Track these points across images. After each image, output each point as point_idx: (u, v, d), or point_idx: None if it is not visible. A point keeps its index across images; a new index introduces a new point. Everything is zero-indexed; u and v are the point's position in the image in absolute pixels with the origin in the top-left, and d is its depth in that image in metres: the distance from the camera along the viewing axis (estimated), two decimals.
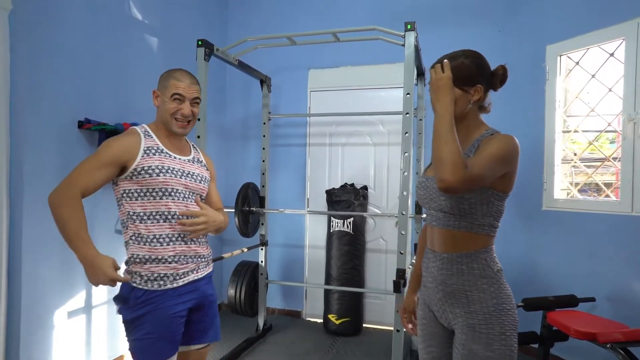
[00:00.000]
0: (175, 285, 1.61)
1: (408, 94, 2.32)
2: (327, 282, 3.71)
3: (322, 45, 3.89)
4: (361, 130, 3.95)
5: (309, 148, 4.10)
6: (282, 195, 4.10)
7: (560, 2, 3.15)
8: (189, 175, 1.67)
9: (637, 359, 2.25)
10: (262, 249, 3.60)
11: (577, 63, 3.16)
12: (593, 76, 3.07)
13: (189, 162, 1.72)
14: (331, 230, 3.70)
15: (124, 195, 1.60)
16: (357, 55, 3.91)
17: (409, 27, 2.33)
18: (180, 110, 1.65)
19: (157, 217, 1.58)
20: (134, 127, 1.67)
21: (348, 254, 3.63)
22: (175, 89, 1.64)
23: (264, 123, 3.63)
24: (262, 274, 3.61)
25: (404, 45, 2.39)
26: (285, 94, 4.08)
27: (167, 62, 3.38)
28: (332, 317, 3.65)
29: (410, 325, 1.68)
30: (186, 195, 1.65)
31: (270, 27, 4.11)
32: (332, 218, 3.70)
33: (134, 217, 1.58)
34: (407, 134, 2.33)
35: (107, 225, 2.83)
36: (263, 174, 3.64)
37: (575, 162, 3.20)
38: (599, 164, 3.08)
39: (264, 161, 3.64)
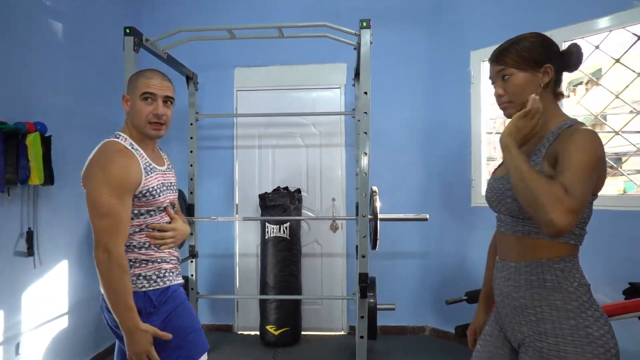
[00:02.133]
0: (178, 281, 1.56)
1: (366, 92, 2.25)
2: (263, 291, 3.51)
3: (249, 43, 3.70)
4: (292, 131, 3.83)
5: (237, 151, 3.86)
6: (207, 202, 3.79)
7: (483, 12, 3.37)
8: (170, 187, 1.59)
9: None
10: (192, 262, 3.28)
11: None
12: None
13: (166, 171, 1.61)
14: (266, 237, 3.51)
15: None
16: (286, 54, 3.77)
17: (364, 24, 2.27)
18: (153, 111, 1.48)
19: (149, 230, 1.50)
20: (115, 140, 1.46)
21: (285, 260, 3.48)
22: (145, 87, 1.47)
23: (191, 124, 3.32)
24: (192, 289, 3.29)
25: (358, 43, 2.32)
26: (208, 94, 3.78)
27: (78, 52, 2.91)
28: (270, 328, 3.46)
29: (478, 347, 1.44)
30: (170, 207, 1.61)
31: (201, 18, 3.77)
32: (266, 224, 3.51)
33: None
34: (365, 134, 2.27)
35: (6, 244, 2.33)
36: (191, 179, 3.32)
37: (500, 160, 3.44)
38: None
39: (192, 165, 3.33)
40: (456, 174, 3.54)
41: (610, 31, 2.81)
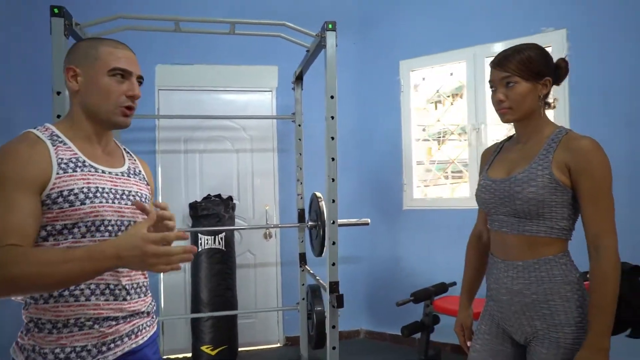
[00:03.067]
0: None
1: (332, 96, 2.20)
2: (196, 309, 3.22)
3: (172, 39, 3.36)
4: (221, 135, 3.59)
5: (159, 156, 3.49)
6: None
7: (412, 24, 3.54)
8: (125, 197, 1.12)
9: None
10: None
11: (424, 79, 3.62)
12: (437, 91, 3.57)
13: (123, 176, 1.16)
14: (199, 249, 3.23)
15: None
16: (213, 54, 3.54)
17: (329, 26, 2.22)
18: (127, 92, 1.10)
19: None
20: (32, 130, 1.07)
21: (221, 273, 3.24)
22: (115, 60, 1.09)
23: None
24: None
25: (323, 45, 2.25)
26: None
27: None
28: (206, 349, 3.18)
29: (469, 343, 1.49)
30: (122, 228, 1.10)
31: (136, 7, 3.31)
32: (199, 235, 3.24)
33: None
34: (332, 139, 2.21)
35: None
36: None
37: (427, 164, 3.65)
38: (447, 165, 3.60)
39: None
40: (388, 179, 3.66)
41: None
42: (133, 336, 1.10)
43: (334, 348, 2.17)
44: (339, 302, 2.10)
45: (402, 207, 3.61)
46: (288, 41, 2.60)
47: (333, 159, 2.23)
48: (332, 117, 2.23)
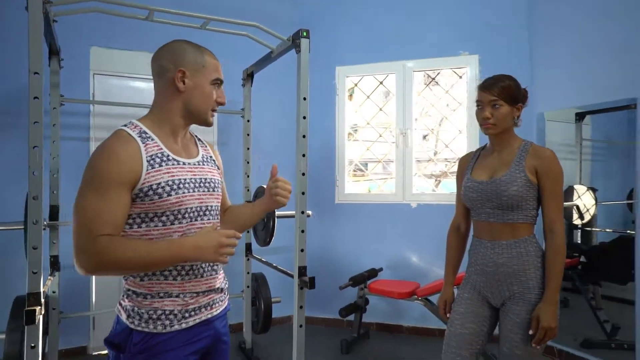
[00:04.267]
0: (184, 325, 1.22)
1: (304, 98, 2.43)
2: None
3: (112, 21, 3.24)
4: None
5: (93, 143, 3.33)
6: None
7: (348, 34, 3.89)
8: (202, 185, 1.27)
9: (434, 303, 3.19)
10: (53, 276, 2.72)
11: (356, 84, 4.00)
12: (368, 97, 3.97)
13: (199, 165, 1.30)
14: None
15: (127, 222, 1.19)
16: (155, 41, 3.43)
17: (304, 34, 2.44)
18: (218, 99, 1.30)
19: None
20: (124, 128, 1.20)
21: None
22: (216, 72, 1.29)
23: (54, 108, 2.75)
24: (54, 309, 2.74)
25: (298, 51, 2.46)
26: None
27: None
28: None
29: (448, 315, 1.84)
30: (201, 213, 1.26)
31: None
32: None
33: None
34: (304, 137, 2.44)
35: None
36: (54, 175, 2.75)
37: (357, 163, 4.04)
38: (375, 164, 4.03)
39: (54, 158, 2.76)
40: (323, 175, 3.96)
41: (440, 70, 3.73)
42: (209, 308, 1.28)
43: (300, 326, 2.40)
44: (311, 283, 2.34)
45: (334, 201, 3.95)
46: (255, 41, 2.74)
47: (304, 155, 2.46)
48: (304, 117, 2.45)
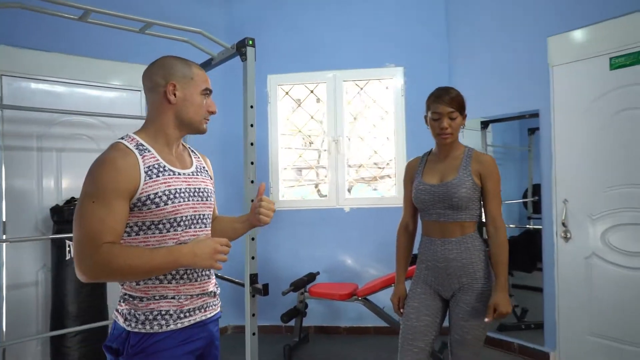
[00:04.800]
0: (180, 325, 1.27)
1: (252, 106, 2.44)
2: (59, 324, 2.89)
3: (22, 18, 2.96)
4: (84, 133, 3.29)
5: (3, 153, 2.98)
6: None
7: (280, 43, 3.95)
8: (196, 194, 1.34)
9: (373, 302, 3.35)
10: None
11: (287, 93, 4.06)
12: (299, 105, 4.06)
13: (193, 175, 1.37)
14: (67, 258, 2.92)
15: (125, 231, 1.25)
16: (75, 43, 3.22)
17: (249, 42, 2.45)
18: (209, 108, 1.38)
19: None
20: (121, 141, 1.26)
21: (93, 282, 2.99)
22: (205, 82, 1.36)
23: None
24: None
25: (244, 61, 2.46)
26: None
27: None
28: None
29: (402, 310, 1.96)
30: (195, 221, 1.32)
31: None
32: (67, 242, 2.92)
33: None
34: (252, 145, 2.45)
35: None
36: None
37: (290, 169, 4.09)
38: (309, 171, 4.11)
39: None
40: (256, 182, 3.94)
41: (369, 80, 3.95)
42: (203, 310, 1.35)
43: (253, 334, 2.39)
44: (265, 290, 2.34)
45: None
46: (197, 48, 2.68)
47: (252, 163, 2.46)
48: (252, 125, 2.45)
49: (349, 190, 3.99)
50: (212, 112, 1.39)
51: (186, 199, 1.28)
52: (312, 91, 4.02)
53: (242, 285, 2.51)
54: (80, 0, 2.17)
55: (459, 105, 1.85)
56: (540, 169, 3.26)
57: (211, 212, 1.42)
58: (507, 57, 3.37)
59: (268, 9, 3.99)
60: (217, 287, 1.43)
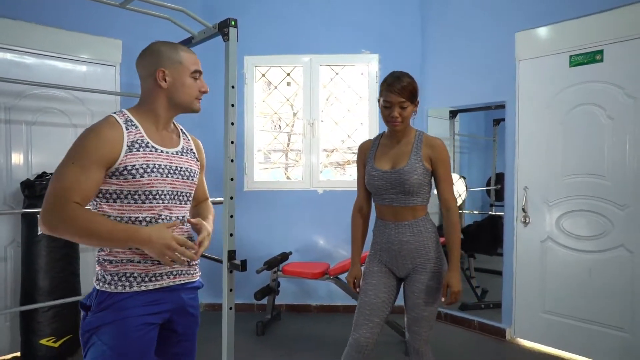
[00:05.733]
0: (143, 288, 1.35)
1: (233, 86, 2.46)
2: (31, 300, 2.87)
3: None
4: (55, 107, 3.22)
5: None
6: None
7: (257, 25, 3.95)
8: (177, 172, 1.43)
9: (344, 280, 3.48)
10: None
11: (264, 74, 4.08)
12: (276, 87, 4.09)
13: (177, 154, 1.46)
14: (38, 234, 2.88)
15: (101, 195, 1.34)
16: (46, 12, 3.14)
17: (232, 23, 2.46)
18: (201, 88, 1.47)
19: (136, 223, 1.35)
20: (113, 115, 1.37)
21: (66, 257, 2.97)
22: (194, 65, 1.45)
23: None
24: None
25: (226, 41, 2.48)
26: None
27: None
28: (47, 342, 2.88)
29: (357, 290, 2.04)
30: (172, 197, 1.42)
31: None
32: (38, 217, 2.88)
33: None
34: (232, 124, 2.48)
35: None
36: None
37: (265, 152, 4.14)
38: (281, 154, 4.16)
39: None
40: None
41: (345, 66, 4.03)
42: (172, 276, 1.42)
43: (230, 308, 2.46)
44: (243, 266, 2.40)
45: (243, 188, 4.01)
46: (176, 25, 2.67)
47: (232, 142, 2.50)
48: (232, 105, 2.48)
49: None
50: (204, 92, 1.49)
51: (164, 175, 1.37)
52: (288, 74, 4.06)
53: (220, 261, 2.57)
54: None
55: (411, 94, 1.85)
56: (504, 158, 3.45)
57: (192, 191, 1.51)
58: (478, 50, 3.52)
59: None
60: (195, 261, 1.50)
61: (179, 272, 1.44)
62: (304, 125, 3.96)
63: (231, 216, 2.54)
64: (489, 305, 3.77)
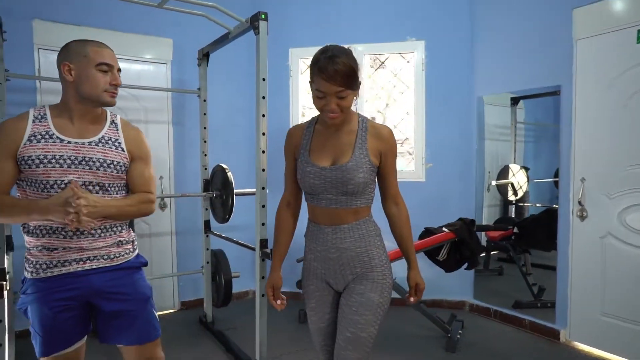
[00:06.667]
0: (49, 274, 1.49)
1: (264, 79, 2.51)
2: None
3: None
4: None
5: None
6: None
7: (301, 17, 3.98)
8: (83, 162, 1.48)
9: None
10: (8, 255, 2.67)
11: (309, 67, 4.10)
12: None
13: (90, 145, 1.50)
14: None
15: (17, 182, 1.50)
16: (104, 17, 3.39)
17: (262, 16, 2.51)
18: (111, 82, 1.51)
19: None
20: (31, 109, 1.50)
21: None
22: (100, 57, 1.49)
23: (0, 83, 2.65)
24: (8, 289, 2.68)
25: (257, 34, 2.53)
26: None
27: None
28: None
29: (278, 302, 1.70)
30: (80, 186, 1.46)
31: None
32: None
33: None
34: (264, 116, 2.54)
35: None
36: None
37: None
38: None
39: None
40: (277, 152, 4.04)
41: (390, 54, 3.93)
42: (82, 262, 1.51)
43: (262, 295, 2.53)
44: (266, 255, 2.47)
45: None
46: (212, 22, 2.77)
47: (264, 134, 2.56)
48: (264, 97, 2.54)
49: None
50: (115, 85, 1.52)
51: (65, 166, 1.45)
52: None
53: (254, 249, 2.65)
54: None
55: (349, 80, 1.45)
56: (560, 147, 3.19)
57: (111, 182, 1.53)
58: (530, 31, 3.26)
59: None
60: (119, 245, 1.58)
61: (89, 258, 1.52)
62: None
63: (263, 206, 2.61)
64: (546, 305, 3.52)
